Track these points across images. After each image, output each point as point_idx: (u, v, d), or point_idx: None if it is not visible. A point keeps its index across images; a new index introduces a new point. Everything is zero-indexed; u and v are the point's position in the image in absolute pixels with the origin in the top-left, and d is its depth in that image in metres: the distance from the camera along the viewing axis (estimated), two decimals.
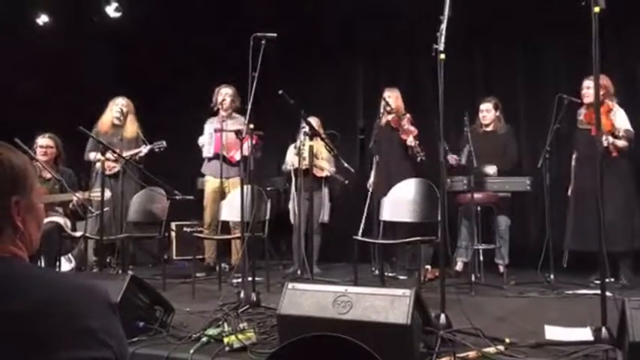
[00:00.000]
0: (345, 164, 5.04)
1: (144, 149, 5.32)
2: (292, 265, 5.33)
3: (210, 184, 5.30)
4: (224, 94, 5.22)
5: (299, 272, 4.85)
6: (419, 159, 4.78)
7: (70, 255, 5.17)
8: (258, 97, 3.65)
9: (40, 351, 0.90)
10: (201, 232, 5.46)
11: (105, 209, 4.21)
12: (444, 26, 2.94)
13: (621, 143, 4.30)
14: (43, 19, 6.45)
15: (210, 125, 5.27)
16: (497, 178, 4.72)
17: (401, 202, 4.19)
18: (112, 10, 6.36)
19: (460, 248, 4.99)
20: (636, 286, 4.17)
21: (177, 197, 4.96)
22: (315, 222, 5.06)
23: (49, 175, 4.56)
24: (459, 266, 5.02)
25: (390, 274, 4.92)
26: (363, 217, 5.00)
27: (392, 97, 5.14)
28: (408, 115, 5.08)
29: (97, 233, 4.50)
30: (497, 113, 5.07)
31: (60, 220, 4.61)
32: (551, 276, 4.32)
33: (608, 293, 2.64)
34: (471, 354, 2.41)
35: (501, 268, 4.74)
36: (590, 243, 3.65)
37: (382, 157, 5.18)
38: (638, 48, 5.33)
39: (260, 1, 6.00)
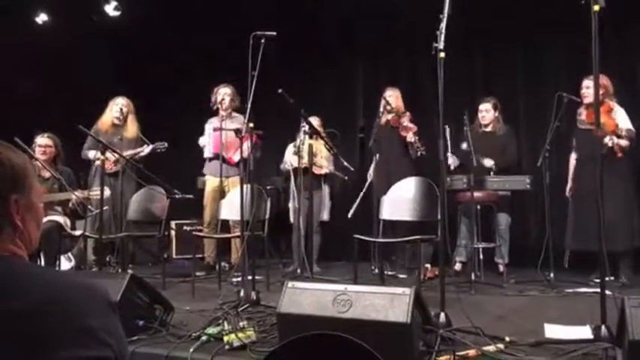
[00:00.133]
0: (345, 163, 5.05)
1: (146, 149, 5.31)
2: (292, 263, 5.34)
3: (210, 183, 5.30)
4: (222, 93, 5.21)
5: (299, 271, 4.85)
6: (419, 153, 4.80)
7: (69, 254, 5.17)
8: (258, 96, 3.65)
9: (40, 350, 0.89)
10: (200, 230, 5.47)
11: (104, 208, 4.21)
12: (443, 25, 2.94)
13: (624, 143, 4.32)
14: (42, 17, 6.44)
15: (210, 125, 5.27)
16: (497, 176, 4.72)
17: (401, 200, 4.19)
18: (111, 9, 6.36)
19: (459, 247, 4.99)
20: (636, 285, 4.18)
21: (177, 196, 4.96)
22: (315, 221, 5.06)
23: (48, 174, 4.56)
24: (457, 266, 5.02)
25: (389, 273, 4.93)
26: (358, 198, 5.11)
27: (393, 97, 5.16)
28: (407, 114, 5.09)
29: (96, 232, 4.50)
30: (497, 113, 5.06)
31: (59, 219, 4.61)
32: (551, 274, 4.33)
33: (607, 292, 2.65)
34: (471, 352, 2.41)
35: (501, 267, 4.75)
36: (590, 242, 3.64)
37: (382, 156, 5.19)
38: (638, 48, 5.33)
39: (260, 0, 5.99)
